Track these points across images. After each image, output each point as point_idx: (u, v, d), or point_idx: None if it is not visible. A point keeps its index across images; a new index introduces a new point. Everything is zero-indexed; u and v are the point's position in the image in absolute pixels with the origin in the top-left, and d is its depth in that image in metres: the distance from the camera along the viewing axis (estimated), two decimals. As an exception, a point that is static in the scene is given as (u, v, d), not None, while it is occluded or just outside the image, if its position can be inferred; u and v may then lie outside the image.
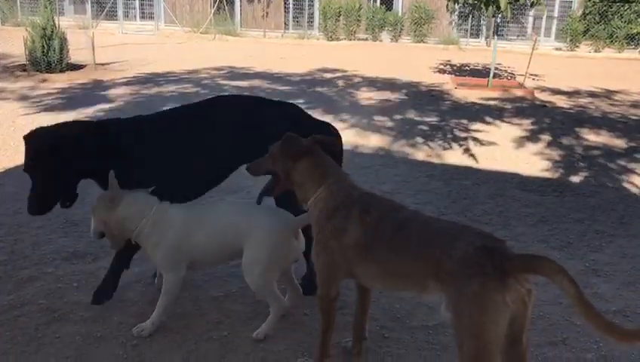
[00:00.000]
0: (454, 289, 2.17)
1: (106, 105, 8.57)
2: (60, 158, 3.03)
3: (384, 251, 2.43)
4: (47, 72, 10.83)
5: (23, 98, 8.96)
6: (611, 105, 10.03)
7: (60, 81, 10.47)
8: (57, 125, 3.27)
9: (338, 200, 2.56)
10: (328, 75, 12.29)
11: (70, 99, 9.02)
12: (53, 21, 11.04)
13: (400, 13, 21.53)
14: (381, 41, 20.80)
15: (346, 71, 12.94)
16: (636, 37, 19.03)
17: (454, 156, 6.68)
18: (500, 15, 10.99)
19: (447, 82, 11.59)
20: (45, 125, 3.26)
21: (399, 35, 21.04)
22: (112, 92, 9.67)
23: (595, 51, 19.12)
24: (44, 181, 3.07)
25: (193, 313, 3.29)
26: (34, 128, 3.24)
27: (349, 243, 2.50)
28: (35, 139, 3.14)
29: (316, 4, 22.28)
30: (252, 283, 3.00)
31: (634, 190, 5.69)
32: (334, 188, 2.60)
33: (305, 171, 2.65)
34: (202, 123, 3.36)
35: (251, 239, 2.95)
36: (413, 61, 15.56)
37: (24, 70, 10.97)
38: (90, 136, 3.19)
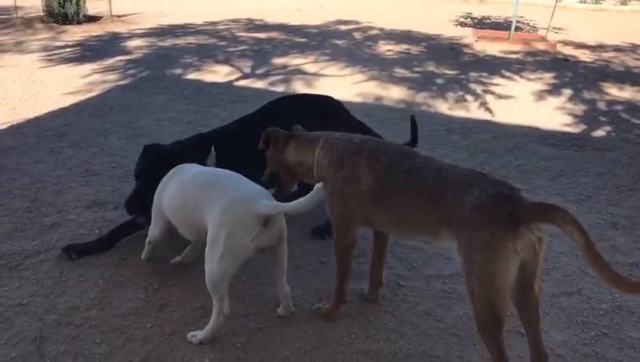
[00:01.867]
0: (466, 236, 2.18)
1: (124, 57, 8.55)
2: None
3: (397, 198, 2.44)
4: (64, 24, 10.78)
5: (41, 50, 8.96)
6: (636, 59, 9.77)
7: (77, 33, 10.43)
8: (174, 143, 3.59)
9: (340, 150, 2.60)
10: (346, 27, 12.09)
11: (88, 51, 9.00)
12: (70, -29, 10.92)
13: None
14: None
15: (364, 23, 12.72)
16: (666, -11, 18.35)
17: (473, 109, 6.60)
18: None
19: (467, 35, 11.35)
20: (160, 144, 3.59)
21: (419, -13, 20.47)
22: (130, 44, 9.62)
23: (622, 4, 18.51)
24: (147, 187, 3.17)
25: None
26: (151, 143, 3.55)
27: (363, 190, 2.52)
28: (152, 154, 3.38)
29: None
30: (206, 269, 2.57)
31: (656, 145, 5.60)
32: (328, 144, 2.66)
33: (296, 148, 2.75)
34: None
35: (212, 215, 2.56)
36: (434, 13, 15.22)
37: (41, 22, 10.93)
38: (197, 152, 3.36)
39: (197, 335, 2.68)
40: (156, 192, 3.03)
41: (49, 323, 2.79)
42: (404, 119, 6.11)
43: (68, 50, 9.05)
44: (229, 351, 2.64)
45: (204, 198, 2.63)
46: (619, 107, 6.85)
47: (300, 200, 2.47)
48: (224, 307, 2.61)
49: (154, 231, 3.12)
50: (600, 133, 5.93)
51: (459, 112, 6.49)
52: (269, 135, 2.82)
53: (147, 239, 3.22)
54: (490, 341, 2.22)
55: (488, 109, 6.60)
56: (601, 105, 6.91)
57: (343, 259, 2.75)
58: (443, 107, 6.66)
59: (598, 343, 2.77)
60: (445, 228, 2.30)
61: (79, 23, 11.00)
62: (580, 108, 6.75)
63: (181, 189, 2.82)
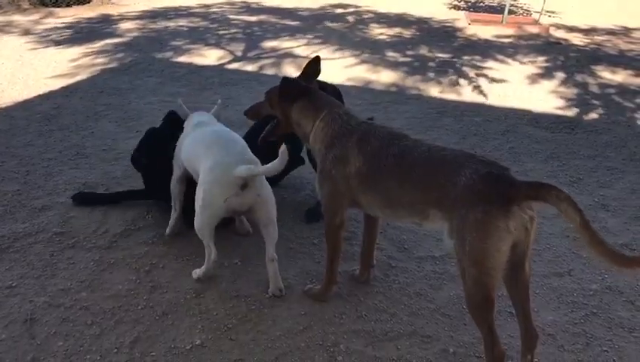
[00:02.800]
0: (458, 216, 2.17)
1: (115, 40, 8.46)
2: None
3: (386, 180, 2.43)
4: (53, 6, 10.64)
5: (30, 32, 8.85)
6: (629, 42, 9.75)
7: (67, 15, 10.29)
8: None
9: (335, 129, 2.58)
10: (340, 10, 11.99)
11: (78, 33, 8.89)
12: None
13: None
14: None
15: (358, 6, 12.62)
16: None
17: (466, 93, 6.58)
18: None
19: (460, 18, 11.29)
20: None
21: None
22: (121, 26, 9.51)
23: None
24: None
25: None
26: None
27: (351, 172, 2.51)
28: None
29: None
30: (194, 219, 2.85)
31: (647, 128, 5.62)
32: (329, 118, 2.62)
33: (302, 109, 2.71)
34: None
35: (201, 172, 2.84)
36: (427, -3, 15.10)
37: (30, 3, 10.78)
38: None
39: (197, 272, 2.98)
40: (179, 140, 3.31)
41: (39, 305, 2.78)
42: (396, 102, 6.11)
43: (57, 32, 8.93)
44: (221, 332, 2.65)
45: (201, 155, 2.91)
46: (611, 90, 6.86)
47: (271, 163, 2.62)
48: (211, 253, 2.87)
49: (173, 177, 3.31)
50: (592, 115, 5.93)
51: (451, 95, 6.47)
52: (284, 85, 2.72)
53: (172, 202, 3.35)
54: (481, 320, 2.23)
55: (481, 92, 6.59)
56: (594, 89, 6.91)
57: (333, 240, 2.75)
58: (435, 90, 6.63)
59: (587, 323, 2.79)
60: (435, 210, 2.29)
61: (69, 5, 10.85)
62: (572, 92, 6.75)
63: (192, 141, 3.10)
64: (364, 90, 6.47)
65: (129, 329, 2.65)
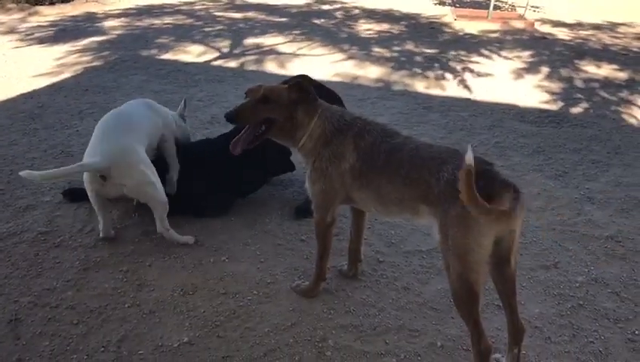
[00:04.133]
0: (441, 211, 2.19)
1: (99, 38, 8.38)
2: None
3: (377, 176, 2.46)
4: (36, 4, 10.52)
5: (13, 31, 8.75)
6: (614, 37, 9.83)
7: (51, 13, 10.19)
8: None
9: (333, 125, 2.56)
10: (326, 7, 11.98)
11: (62, 31, 8.80)
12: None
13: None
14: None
15: (344, 2, 12.62)
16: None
17: (452, 88, 6.60)
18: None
19: (446, 14, 11.31)
20: None
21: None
22: (106, 24, 9.43)
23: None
24: None
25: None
26: None
27: (346, 169, 2.51)
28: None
29: None
30: None
31: (631, 120, 5.66)
32: (325, 115, 2.60)
33: (307, 109, 2.61)
34: None
35: None
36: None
37: (13, 1, 10.66)
38: None
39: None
40: None
41: (24, 305, 2.75)
42: (383, 98, 6.12)
43: (41, 30, 8.84)
44: (208, 329, 2.63)
45: None
46: (595, 84, 6.90)
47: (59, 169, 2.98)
48: (100, 223, 3.24)
49: None
50: (577, 110, 5.97)
51: (437, 91, 6.48)
52: (303, 84, 2.60)
53: None
54: (467, 314, 2.23)
55: (467, 87, 6.61)
56: (578, 83, 6.95)
57: (323, 237, 2.75)
58: (422, 86, 6.64)
59: (573, 314, 2.81)
60: (423, 206, 2.32)
61: (52, 3, 10.74)
62: (557, 86, 6.79)
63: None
64: (352, 86, 6.46)
65: (116, 328, 2.63)
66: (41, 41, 8.13)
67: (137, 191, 3.07)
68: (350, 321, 2.72)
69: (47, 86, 6.12)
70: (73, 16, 10.07)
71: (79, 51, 7.61)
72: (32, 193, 3.81)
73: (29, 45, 7.86)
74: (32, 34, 8.58)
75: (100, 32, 8.88)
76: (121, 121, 3.25)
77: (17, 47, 7.72)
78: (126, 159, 3.00)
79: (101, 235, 3.29)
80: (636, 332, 2.69)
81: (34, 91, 5.92)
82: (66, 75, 6.56)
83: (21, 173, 2.81)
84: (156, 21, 9.81)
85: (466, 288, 2.16)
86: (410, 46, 8.59)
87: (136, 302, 2.81)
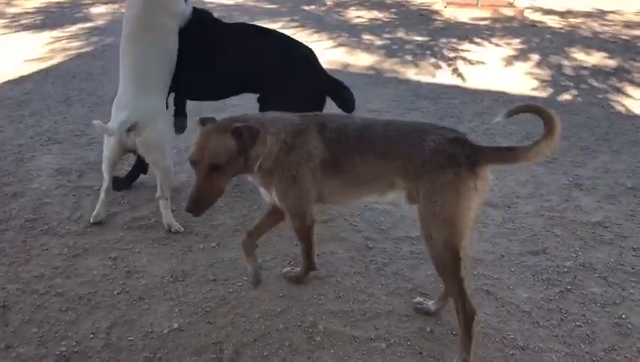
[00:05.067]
0: (427, 180, 2.23)
1: (87, 25, 8.29)
2: None
3: (349, 159, 2.42)
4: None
5: (-1, 17, 8.65)
6: (603, 25, 9.85)
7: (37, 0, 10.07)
8: None
9: (290, 130, 2.42)
10: (316, -6, 11.91)
11: (48, 18, 8.70)
12: None
13: None
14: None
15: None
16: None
17: (443, 75, 6.59)
18: None
19: (436, 1, 11.28)
20: None
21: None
22: (92, 10, 9.33)
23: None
24: None
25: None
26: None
27: (316, 165, 2.44)
28: None
29: None
30: None
31: (619, 108, 5.68)
32: (277, 125, 2.42)
33: (260, 139, 2.34)
34: None
35: None
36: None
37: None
38: None
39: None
40: None
41: (12, 292, 2.73)
42: (375, 84, 6.11)
43: (28, 17, 8.73)
44: (198, 316, 2.63)
45: None
46: (585, 72, 6.92)
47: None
48: (104, 183, 3.29)
49: None
50: (566, 97, 5.99)
51: (428, 78, 6.48)
52: (242, 129, 2.28)
53: None
54: (452, 279, 2.28)
55: (457, 74, 6.61)
56: (568, 71, 6.97)
57: (306, 238, 2.70)
58: (412, 73, 6.63)
59: (562, 299, 2.83)
60: (399, 178, 2.34)
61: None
62: (547, 73, 6.80)
63: None
64: (342, 74, 6.41)
65: (105, 315, 2.62)
66: (28, 27, 8.04)
67: (148, 146, 3.18)
68: (340, 307, 2.72)
69: (35, 72, 6.05)
70: (59, 3, 9.95)
71: (66, 38, 7.52)
72: (19, 180, 3.77)
73: (15, 32, 7.77)
74: (18, 20, 8.47)
75: (87, 18, 8.78)
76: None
77: (3, 34, 7.62)
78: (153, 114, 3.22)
79: (92, 220, 3.29)
80: (623, 316, 2.72)
81: (20, 78, 5.86)
82: (54, 61, 6.49)
83: (94, 122, 3.00)
84: (145, 7, 9.69)
85: (452, 254, 2.22)
86: (401, 33, 8.57)
87: (125, 289, 2.79)
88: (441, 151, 2.21)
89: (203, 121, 2.39)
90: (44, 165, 3.99)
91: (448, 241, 2.21)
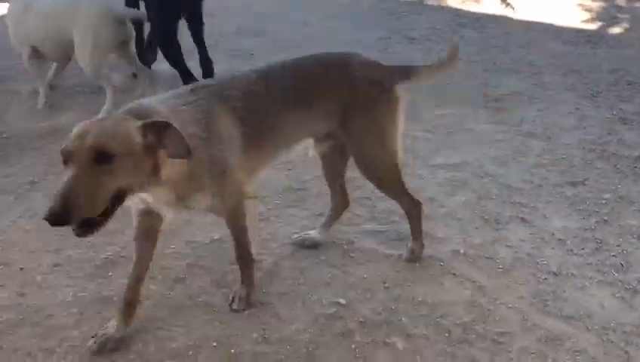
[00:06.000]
0: (360, 107, 2.24)
1: None
2: None
3: (268, 112, 2.15)
4: None
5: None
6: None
7: None
8: None
9: (195, 120, 1.94)
10: None
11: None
12: None
13: None
14: None
15: None
16: None
17: (488, 4, 6.37)
18: None
19: None
20: None
21: None
22: None
23: None
24: None
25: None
26: None
27: (239, 143, 2.06)
28: None
29: None
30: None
31: (673, 43, 5.45)
32: (182, 117, 1.90)
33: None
34: None
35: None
36: None
37: None
38: None
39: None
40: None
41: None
42: (414, 12, 5.95)
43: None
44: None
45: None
46: (638, 4, 6.60)
47: None
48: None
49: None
50: (616, 30, 5.75)
51: (472, 6, 6.27)
52: (159, 123, 1.73)
53: None
54: (399, 187, 2.43)
55: (504, 3, 6.37)
56: (621, 2, 6.66)
57: (246, 233, 2.24)
58: (456, 1, 6.42)
59: (598, 230, 2.82)
60: (328, 113, 2.23)
61: None
62: (597, 5, 6.51)
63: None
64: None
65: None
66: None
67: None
68: (374, 227, 2.78)
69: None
70: None
71: None
72: None
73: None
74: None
75: None
76: None
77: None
78: None
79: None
80: (659, 248, 2.71)
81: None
82: None
83: None
84: None
85: (396, 167, 2.35)
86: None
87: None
88: (371, 79, 2.25)
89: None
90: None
91: (390, 157, 2.32)
